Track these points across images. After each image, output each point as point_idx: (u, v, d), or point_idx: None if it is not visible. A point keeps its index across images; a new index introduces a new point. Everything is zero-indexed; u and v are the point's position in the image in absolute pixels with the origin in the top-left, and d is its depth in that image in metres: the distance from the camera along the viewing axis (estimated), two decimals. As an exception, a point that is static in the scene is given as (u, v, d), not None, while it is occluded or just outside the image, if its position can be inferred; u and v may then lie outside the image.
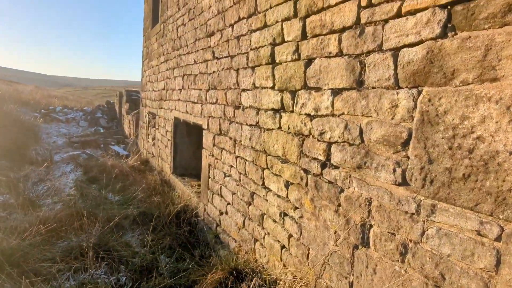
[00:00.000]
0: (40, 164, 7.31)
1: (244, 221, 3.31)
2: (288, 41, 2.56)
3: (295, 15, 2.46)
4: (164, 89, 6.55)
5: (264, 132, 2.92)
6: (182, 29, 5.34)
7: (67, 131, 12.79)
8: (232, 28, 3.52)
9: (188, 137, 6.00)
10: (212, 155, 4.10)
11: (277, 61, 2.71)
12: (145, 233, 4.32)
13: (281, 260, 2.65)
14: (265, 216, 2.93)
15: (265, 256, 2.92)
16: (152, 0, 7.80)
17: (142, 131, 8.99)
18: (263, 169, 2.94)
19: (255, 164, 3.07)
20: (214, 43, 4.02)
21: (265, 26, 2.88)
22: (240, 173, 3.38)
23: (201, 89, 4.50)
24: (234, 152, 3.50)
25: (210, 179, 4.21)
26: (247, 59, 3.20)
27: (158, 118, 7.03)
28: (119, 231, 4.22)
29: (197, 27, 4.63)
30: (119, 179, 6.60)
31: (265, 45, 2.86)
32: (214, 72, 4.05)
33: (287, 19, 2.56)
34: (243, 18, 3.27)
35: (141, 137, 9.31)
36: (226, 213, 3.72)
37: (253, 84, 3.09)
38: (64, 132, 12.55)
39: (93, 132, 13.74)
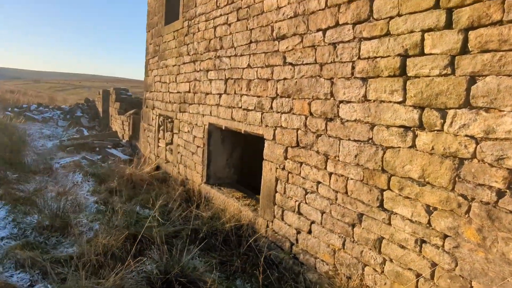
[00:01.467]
0: (42, 172, 6.56)
1: (344, 244, 3.07)
2: (433, 54, 2.34)
3: (448, 26, 2.25)
4: (190, 91, 6.08)
5: (385, 150, 2.69)
6: (225, 29, 4.93)
7: (50, 132, 11.73)
8: (323, 34, 3.24)
9: (222, 144, 5.61)
10: (283, 169, 3.80)
11: (411, 75, 2.49)
12: (206, 253, 3.95)
13: (417, 291, 2.44)
14: (384, 241, 2.71)
15: (385, 284, 2.70)
16: (166, -6, 7.23)
17: (148, 134, 8.38)
18: (382, 190, 2.71)
19: (366, 184, 2.84)
20: (287, 47, 3.70)
21: (387, 34, 2.64)
22: (337, 192, 3.12)
23: (260, 96, 4.16)
24: (325, 168, 3.24)
25: (277, 194, 3.91)
26: (353, 68, 2.94)
27: (179, 122, 6.53)
28: (177, 253, 3.80)
29: (254, 28, 4.28)
30: (139, 189, 6.08)
31: (389, 56, 2.63)
32: (286, 79, 3.74)
33: (432, 29, 2.34)
34: (345, 23, 3.01)
35: (144, 141, 8.69)
36: (310, 232, 3.45)
37: (364, 96, 2.84)
38: (47, 134, 11.50)
39: (75, 132, 12.77)
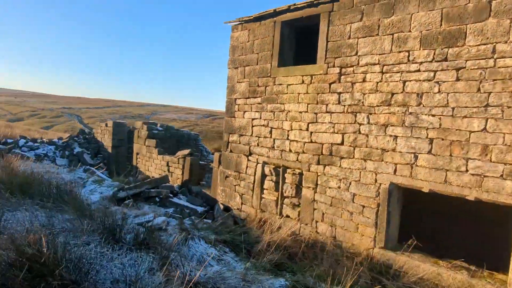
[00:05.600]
0: (150, 244, 5.35)
1: None
2: None
3: None
4: (342, 144, 5.56)
5: None
6: (427, 86, 4.63)
7: (71, 177, 9.87)
8: None
9: (397, 204, 5.20)
10: None
11: None
12: None
13: None
14: None
15: None
16: (280, 34, 6.65)
17: (238, 182, 7.48)
18: None
19: None
20: None
21: None
22: None
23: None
24: None
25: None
26: None
27: (317, 175, 5.91)
28: None
29: (493, 92, 4.07)
30: (293, 258, 5.30)
31: None
32: None
33: None
34: None
35: (227, 189, 7.74)
36: None
37: None
38: (68, 179, 9.64)
39: (83, 172, 11.01)
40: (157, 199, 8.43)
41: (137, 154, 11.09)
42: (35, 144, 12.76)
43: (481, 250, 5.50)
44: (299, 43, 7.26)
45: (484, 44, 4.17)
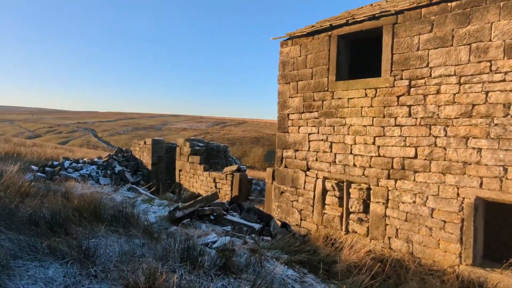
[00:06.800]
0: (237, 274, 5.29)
1: None
2: None
3: None
4: (415, 157, 5.42)
5: None
6: (502, 96, 4.47)
7: (121, 198, 9.99)
8: None
9: (482, 219, 5.00)
10: None
11: None
12: None
13: None
14: None
15: None
16: (337, 48, 6.59)
17: (295, 198, 7.38)
18: None
19: None
20: None
21: None
22: None
23: None
24: None
25: None
26: None
27: (387, 190, 5.77)
28: None
29: None
30: (374, 278, 5.15)
31: None
32: None
33: None
34: None
35: (284, 205, 7.65)
36: None
37: None
38: (118, 199, 9.76)
39: (127, 191, 11.13)
40: (211, 217, 8.43)
41: (180, 170, 11.13)
42: (78, 164, 13.00)
43: None
44: (352, 55, 7.19)
45: None
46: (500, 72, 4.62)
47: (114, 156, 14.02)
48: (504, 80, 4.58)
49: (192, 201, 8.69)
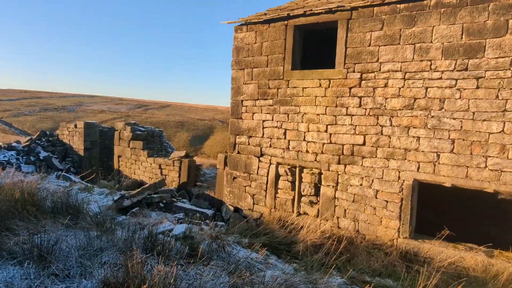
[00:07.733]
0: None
1: None
2: None
3: None
4: (364, 144, 5.96)
5: None
6: (449, 92, 5.18)
7: (52, 187, 9.00)
8: None
9: (416, 197, 5.76)
10: None
11: None
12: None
13: None
14: None
15: None
16: (293, 38, 6.78)
17: (248, 183, 7.53)
18: None
19: None
20: None
21: None
22: None
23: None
24: None
25: None
26: None
27: (337, 174, 6.26)
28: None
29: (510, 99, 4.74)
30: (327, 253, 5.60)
31: None
32: None
33: None
34: None
35: (236, 191, 7.76)
36: None
37: None
38: (52, 189, 8.79)
39: (55, 178, 10.22)
40: (161, 204, 8.17)
41: (119, 157, 10.42)
42: (-9, 149, 11.28)
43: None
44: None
45: (502, 57, 4.81)
46: (438, 71, 5.30)
47: (37, 141, 12.47)
48: (441, 78, 5.28)
49: (139, 189, 8.28)
